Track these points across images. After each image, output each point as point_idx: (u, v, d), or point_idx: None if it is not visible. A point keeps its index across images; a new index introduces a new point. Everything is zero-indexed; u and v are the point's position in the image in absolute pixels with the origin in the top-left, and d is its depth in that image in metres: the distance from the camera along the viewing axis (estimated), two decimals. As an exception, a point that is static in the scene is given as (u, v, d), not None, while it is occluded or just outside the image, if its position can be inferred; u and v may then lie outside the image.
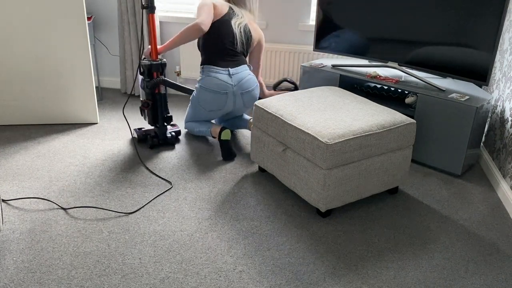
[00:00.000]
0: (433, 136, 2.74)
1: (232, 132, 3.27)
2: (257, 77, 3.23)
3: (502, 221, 2.33)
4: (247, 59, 3.30)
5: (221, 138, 2.82)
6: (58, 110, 3.21)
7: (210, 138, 3.14)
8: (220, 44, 2.90)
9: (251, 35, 3.02)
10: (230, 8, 3.00)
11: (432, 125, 2.72)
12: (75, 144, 2.97)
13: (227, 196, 2.45)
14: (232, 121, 3.17)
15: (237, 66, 2.93)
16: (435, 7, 2.70)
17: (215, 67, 2.88)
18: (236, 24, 2.95)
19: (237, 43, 2.95)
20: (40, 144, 2.95)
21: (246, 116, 3.16)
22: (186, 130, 3.20)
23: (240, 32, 2.96)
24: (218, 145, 3.04)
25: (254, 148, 2.63)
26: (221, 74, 2.87)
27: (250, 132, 3.24)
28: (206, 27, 2.82)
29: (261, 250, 2.04)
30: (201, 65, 2.98)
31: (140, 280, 1.84)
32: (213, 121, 3.25)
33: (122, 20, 3.61)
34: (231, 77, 2.87)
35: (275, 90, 3.48)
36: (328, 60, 3.41)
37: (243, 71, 2.94)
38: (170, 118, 2.97)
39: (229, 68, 2.89)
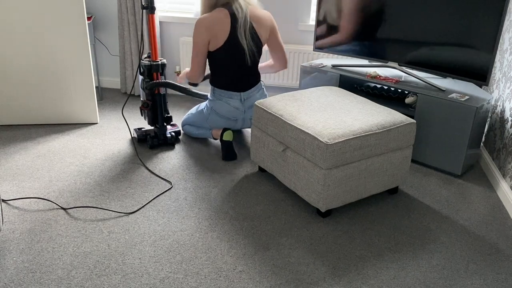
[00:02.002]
0: (433, 136, 2.74)
1: (234, 132, 3.26)
2: (284, 63, 3.01)
3: (502, 221, 2.33)
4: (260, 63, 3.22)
5: (223, 138, 2.80)
6: (58, 110, 3.21)
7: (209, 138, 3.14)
8: (231, 67, 2.75)
9: (259, 40, 2.77)
10: (232, 18, 2.65)
11: (432, 125, 2.72)
12: (75, 144, 2.97)
13: (227, 196, 2.45)
14: None
15: (250, 88, 2.84)
16: (435, 7, 2.70)
17: (228, 92, 2.80)
18: (243, 36, 2.68)
19: (248, 59, 2.76)
20: (40, 144, 2.95)
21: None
22: (183, 132, 3.18)
23: (249, 41, 2.72)
24: (218, 145, 3.04)
25: (254, 148, 2.63)
26: (233, 100, 2.81)
27: (250, 131, 3.23)
28: (197, 82, 2.87)
29: (261, 250, 2.04)
30: (211, 84, 2.87)
31: (140, 280, 1.84)
32: None
33: (122, 20, 3.61)
34: (242, 103, 2.83)
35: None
36: (328, 60, 3.41)
37: (255, 95, 2.87)
38: (170, 119, 2.97)
39: (241, 93, 2.82)
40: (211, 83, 2.86)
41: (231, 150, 2.82)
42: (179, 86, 2.88)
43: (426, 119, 2.74)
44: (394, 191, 2.54)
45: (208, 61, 2.82)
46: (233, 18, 2.65)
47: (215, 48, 2.70)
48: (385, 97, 3.10)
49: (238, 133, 3.25)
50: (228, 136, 2.79)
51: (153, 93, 2.88)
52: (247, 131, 3.28)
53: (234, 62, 2.74)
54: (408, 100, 2.90)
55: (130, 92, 2.78)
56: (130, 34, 3.62)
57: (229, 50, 2.70)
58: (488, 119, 2.96)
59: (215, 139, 2.95)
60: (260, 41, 2.79)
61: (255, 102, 2.55)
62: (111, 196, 2.41)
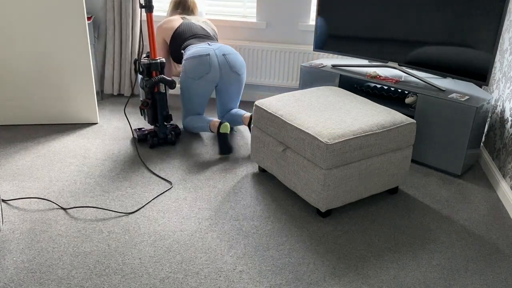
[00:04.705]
0: (433, 136, 2.74)
1: (231, 129, 3.27)
2: None
3: (502, 221, 2.34)
4: None
5: (220, 131, 2.82)
6: (58, 110, 3.21)
7: (209, 138, 3.13)
8: (192, 35, 3.14)
9: (212, 28, 3.32)
10: (184, 18, 3.24)
11: (432, 125, 2.73)
12: (75, 144, 2.97)
13: (227, 196, 2.45)
14: (228, 117, 3.17)
15: (214, 43, 3.11)
16: (435, 7, 2.70)
17: (194, 44, 3.07)
18: (195, 21, 3.24)
19: (206, 29, 3.22)
20: (40, 144, 2.95)
21: (241, 111, 3.14)
22: (185, 129, 3.19)
23: (202, 25, 3.25)
24: (217, 145, 3.03)
25: (254, 148, 2.63)
26: (200, 45, 3.04)
27: (248, 130, 3.23)
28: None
29: (261, 250, 2.04)
30: (182, 50, 3.13)
31: (140, 280, 1.84)
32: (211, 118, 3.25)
33: (107, 19, 3.59)
34: (210, 45, 3.04)
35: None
36: (328, 60, 3.41)
37: (221, 44, 3.11)
38: (170, 117, 2.97)
39: (208, 42, 3.10)
40: (182, 50, 3.13)
41: (227, 143, 2.83)
42: (171, 81, 2.91)
43: (426, 119, 2.74)
44: (394, 191, 2.54)
45: (171, 47, 3.17)
46: (184, 18, 3.24)
47: (170, 36, 3.16)
48: (385, 97, 3.10)
49: (236, 132, 3.25)
50: (224, 128, 2.83)
51: (152, 91, 2.88)
52: (247, 132, 3.28)
53: (192, 31, 3.16)
54: (408, 100, 2.90)
55: (132, 93, 2.77)
56: (115, 34, 3.61)
57: (184, 28, 3.16)
58: (488, 119, 2.96)
59: (212, 131, 2.95)
60: (214, 29, 3.30)
61: (255, 102, 2.56)
62: (111, 196, 2.41)
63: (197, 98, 3.03)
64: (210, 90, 3.05)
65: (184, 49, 3.11)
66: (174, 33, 3.15)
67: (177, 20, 3.20)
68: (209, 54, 2.95)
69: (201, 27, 3.21)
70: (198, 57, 2.94)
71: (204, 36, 3.17)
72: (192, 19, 3.26)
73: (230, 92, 3.11)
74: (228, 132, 2.85)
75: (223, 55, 3.00)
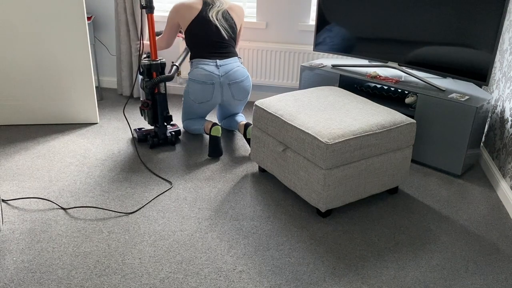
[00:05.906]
0: (433, 136, 2.74)
1: (232, 131, 3.27)
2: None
3: (502, 221, 2.34)
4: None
5: (211, 133, 2.82)
6: (58, 110, 3.21)
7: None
8: (206, 38, 2.96)
9: (234, 21, 3.05)
10: (204, 3, 2.99)
11: (432, 125, 2.73)
12: (75, 144, 2.97)
13: (227, 196, 2.45)
14: (228, 120, 3.17)
15: (226, 59, 2.97)
16: (435, 7, 2.70)
17: (203, 59, 2.94)
18: (214, 16, 2.99)
19: (222, 33, 2.99)
20: (40, 144, 2.95)
21: (240, 118, 3.14)
22: (184, 129, 3.20)
23: (220, 20, 3.00)
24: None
25: (254, 148, 2.63)
26: (208, 65, 2.91)
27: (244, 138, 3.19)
28: (164, 48, 3.15)
29: (261, 250, 2.04)
30: (190, 59, 3.04)
31: (140, 280, 1.84)
32: (210, 118, 3.25)
33: (118, 21, 3.60)
34: (218, 68, 2.91)
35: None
36: (328, 60, 3.41)
37: (232, 63, 2.97)
38: (170, 118, 2.97)
39: (217, 60, 2.94)
40: (190, 58, 3.03)
41: (217, 147, 2.83)
42: (172, 76, 2.91)
43: (426, 119, 2.74)
44: (394, 191, 2.54)
45: (185, 38, 3.03)
46: (205, 3, 3.00)
47: (186, 26, 2.98)
48: (385, 97, 3.10)
49: (234, 133, 3.25)
50: (215, 131, 2.81)
51: (153, 92, 2.89)
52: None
53: (207, 35, 2.96)
54: (408, 100, 2.90)
55: (131, 93, 2.77)
56: (130, 34, 3.62)
57: (200, 26, 2.96)
58: (488, 119, 2.96)
59: (206, 133, 2.95)
60: (234, 23, 3.06)
61: (255, 102, 2.56)
62: (111, 196, 2.41)
63: (197, 113, 3.06)
64: (211, 109, 3.07)
65: (192, 58, 3.01)
66: (189, 25, 2.96)
67: (194, 9, 2.96)
68: (213, 84, 2.89)
69: (217, 27, 2.96)
70: (201, 84, 2.88)
71: (218, 44, 2.97)
72: (212, 8, 2.98)
73: (232, 108, 3.12)
74: (219, 135, 2.83)
75: (229, 84, 2.92)
